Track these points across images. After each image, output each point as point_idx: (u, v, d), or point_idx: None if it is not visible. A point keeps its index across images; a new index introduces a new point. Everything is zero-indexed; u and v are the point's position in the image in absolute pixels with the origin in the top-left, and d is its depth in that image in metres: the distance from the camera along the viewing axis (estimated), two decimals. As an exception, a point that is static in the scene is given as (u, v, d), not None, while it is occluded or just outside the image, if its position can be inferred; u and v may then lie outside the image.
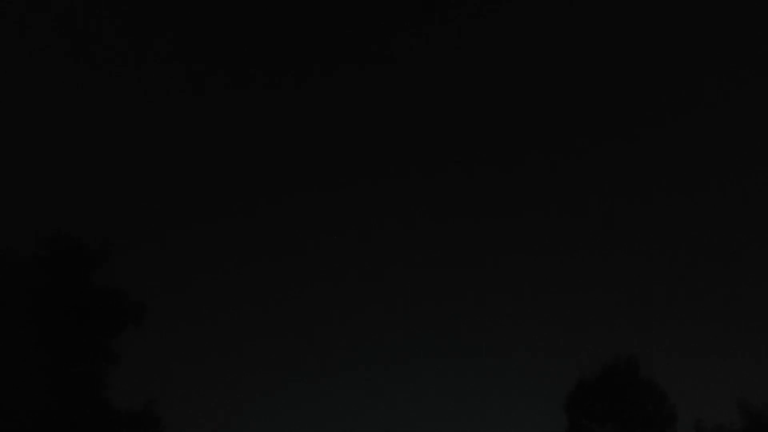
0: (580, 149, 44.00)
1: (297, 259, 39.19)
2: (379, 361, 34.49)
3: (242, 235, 39.81)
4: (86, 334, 23.87)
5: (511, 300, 38.21)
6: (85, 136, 39.20)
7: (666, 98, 44.31)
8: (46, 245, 24.69)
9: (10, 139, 34.70)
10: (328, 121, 44.00)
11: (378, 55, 43.87)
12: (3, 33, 36.10)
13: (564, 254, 40.62)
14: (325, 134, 43.93)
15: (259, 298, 36.94)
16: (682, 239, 40.85)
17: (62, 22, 37.97)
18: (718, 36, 43.87)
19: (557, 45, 44.88)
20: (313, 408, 32.20)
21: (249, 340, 34.44)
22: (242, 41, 43.35)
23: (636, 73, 44.92)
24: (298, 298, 37.43)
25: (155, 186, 39.84)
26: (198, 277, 36.67)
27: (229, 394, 32.04)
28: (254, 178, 42.47)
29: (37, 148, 36.14)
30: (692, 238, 40.78)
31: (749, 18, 42.83)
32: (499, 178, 43.25)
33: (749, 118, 43.09)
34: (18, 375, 22.52)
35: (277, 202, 41.37)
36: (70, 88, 39.35)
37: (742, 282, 36.86)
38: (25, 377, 22.61)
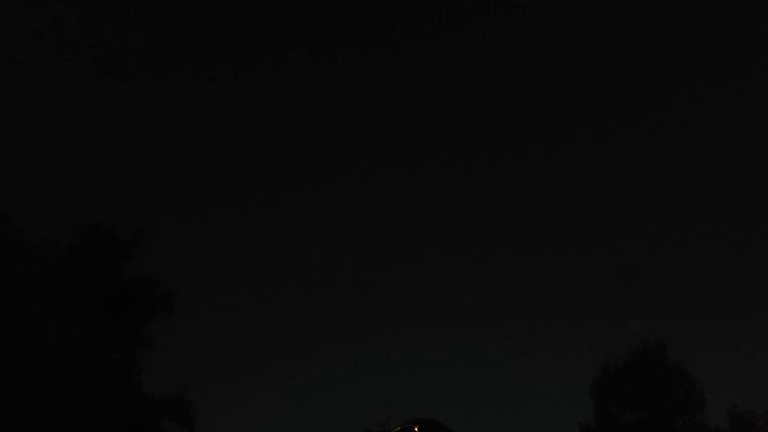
0: (596, 143, 43.94)
1: (323, 247, 39.55)
2: (405, 349, 34.71)
3: (268, 224, 40.27)
4: (120, 321, 24.30)
5: (537, 288, 38.25)
6: (116, 137, 40.01)
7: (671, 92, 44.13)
8: (80, 235, 25.16)
9: (45, 140, 35.59)
10: (333, 119, 44.52)
11: (378, 56, 44.29)
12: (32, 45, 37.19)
13: (593, 244, 40.55)
14: (330, 130, 44.46)
15: (284, 285, 37.36)
16: (714, 228, 40.55)
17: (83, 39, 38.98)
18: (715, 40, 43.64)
19: (556, 45, 44.89)
20: (341, 392, 32.51)
21: (278, 326, 34.85)
22: (244, 42, 43.94)
23: (635, 73, 44.82)
24: (326, 284, 37.76)
25: (181, 179, 40.52)
26: (226, 264, 37.18)
27: (257, 379, 32.44)
28: (274, 171, 43.04)
29: (70, 147, 36.98)
30: (724, 227, 40.46)
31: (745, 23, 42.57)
32: (512, 174, 43.46)
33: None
34: (54, 361, 23.02)
35: (295, 192, 41.85)
36: (102, 96, 40.29)
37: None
38: (61, 363, 23.10)
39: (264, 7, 45.11)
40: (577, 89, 44.98)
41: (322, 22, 44.77)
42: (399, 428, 4.68)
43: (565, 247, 40.43)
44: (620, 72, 45.41)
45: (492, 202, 42.68)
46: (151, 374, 24.43)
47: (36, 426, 21.83)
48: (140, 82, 42.19)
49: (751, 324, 34.95)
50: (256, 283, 36.92)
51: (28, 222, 24.49)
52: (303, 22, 44.87)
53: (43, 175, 33.35)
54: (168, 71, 42.84)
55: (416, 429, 4.62)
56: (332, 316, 36.26)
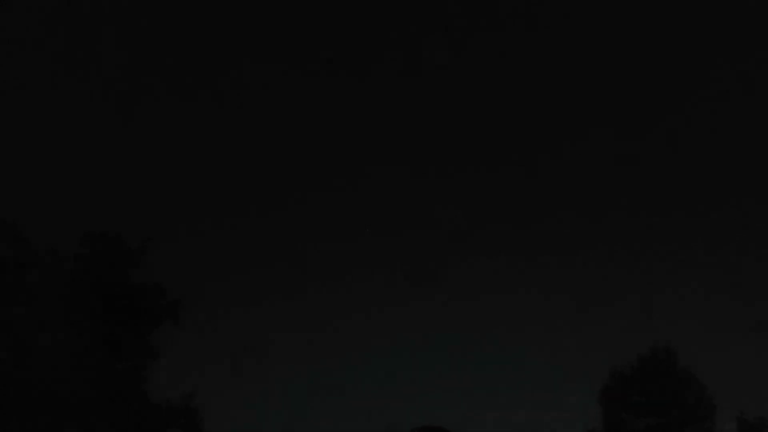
0: (601, 149, 43.91)
1: (328, 256, 39.55)
2: (412, 356, 34.65)
3: (273, 234, 40.34)
4: (127, 329, 24.30)
5: (543, 293, 38.16)
6: (124, 145, 40.20)
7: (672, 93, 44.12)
8: (87, 244, 25.16)
9: (52, 148, 35.76)
10: (339, 129, 44.66)
11: (377, 60, 44.32)
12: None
13: (602, 250, 40.46)
14: (336, 140, 44.55)
15: (290, 293, 37.37)
16: (721, 232, 40.40)
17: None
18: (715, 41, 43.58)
19: (560, 50, 44.89)
20: (347, 400, 32.44)
21: (282, 334, 34.84)
22: (252, 52, 44.06)
23: (636, 76, 44.75)
24: (330, 291, 37.74)
25: (189, 188, 40.62)
26: (231, 273, 37.21)
27: (263, 387, 32.42)
28: (281, 182, 43.13)
29: (77, 155, 37.15)
30: (733, 232, 40.32)
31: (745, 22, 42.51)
32: (520, 180, 43.49)
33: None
34: (61, 370, 23.03)
35: (302, 202, 41.91)
36: (109, 104, 40.54)
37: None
38: (67, 372, 23.11)
39: (274, 15, 45.23)
40: (576, 96, 44.94)
41: (317, 34, 44.86)
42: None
43: (570, 252, 40.32)
44: (625, 77, 45.33)
45: (497, 208, 42.61)
46: (158, 382, 24.42)
47: (43, 434, 21.83)
48: (147, 89, 42.34)
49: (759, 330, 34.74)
50: (262, 292, 36.92)
51: (36, 230, 24.51)
52: (298, 34, 45.01)
53: (50, 183, 33.46)
54: (175, 79, 43.02)
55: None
56: (338, 324, 36.21)
